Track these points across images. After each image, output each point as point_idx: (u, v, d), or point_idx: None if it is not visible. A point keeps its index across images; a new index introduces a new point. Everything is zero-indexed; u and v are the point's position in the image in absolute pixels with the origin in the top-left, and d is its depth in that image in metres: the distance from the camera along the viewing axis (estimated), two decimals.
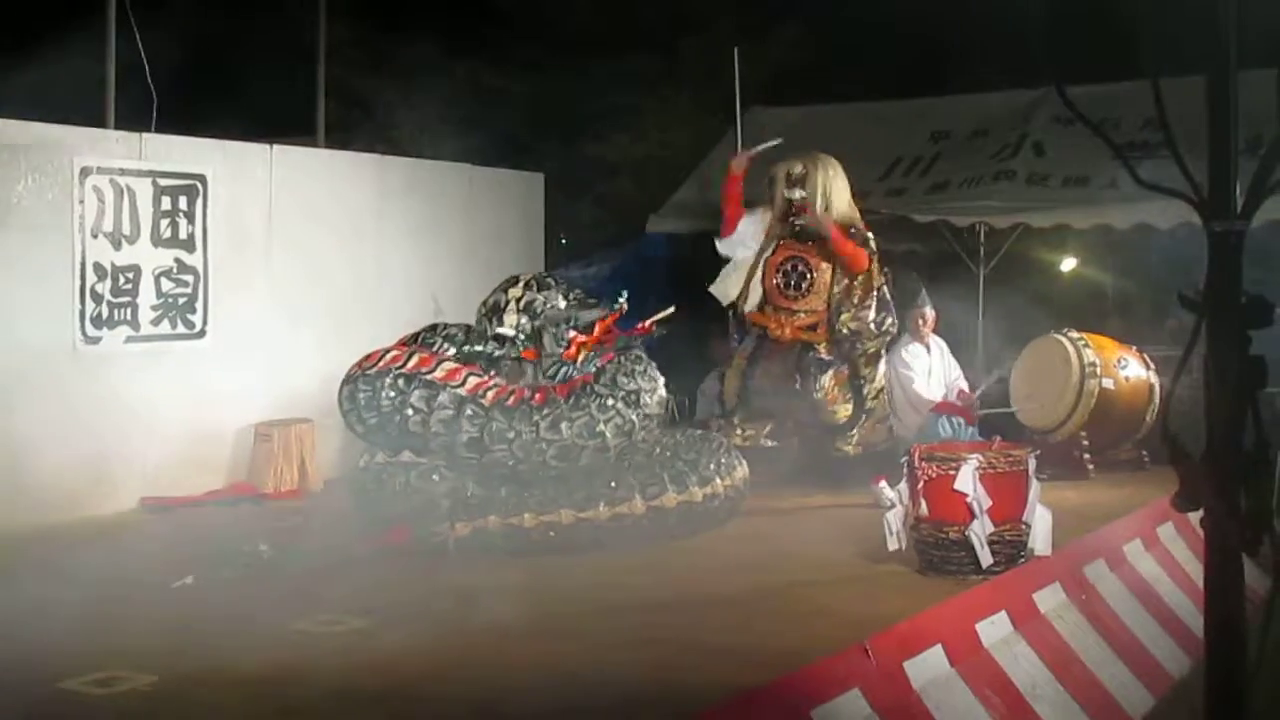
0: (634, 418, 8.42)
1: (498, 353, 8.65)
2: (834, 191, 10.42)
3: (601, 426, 8.29)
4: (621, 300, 9.09)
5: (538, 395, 8.36)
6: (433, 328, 8.85)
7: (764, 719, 5.12)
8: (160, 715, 5.22)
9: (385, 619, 6.63)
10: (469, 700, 5.37)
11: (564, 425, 8.22)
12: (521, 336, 8.70)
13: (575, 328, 8.78)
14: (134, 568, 7.82)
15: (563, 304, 8.84)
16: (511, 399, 8.31)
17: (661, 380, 8.82)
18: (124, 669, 5.72)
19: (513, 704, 5.30)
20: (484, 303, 9.01)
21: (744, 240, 10.54)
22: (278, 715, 5.20)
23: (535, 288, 8.91)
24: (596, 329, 8.86)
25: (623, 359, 8.71)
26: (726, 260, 10.70)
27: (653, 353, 9.42)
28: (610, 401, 8.36)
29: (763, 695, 5.28)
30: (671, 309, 9.40)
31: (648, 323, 9.19)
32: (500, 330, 8.69)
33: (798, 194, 10.36)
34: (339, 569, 7.80)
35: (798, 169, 10.42)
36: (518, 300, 8.83)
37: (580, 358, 8.71)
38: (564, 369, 8.67)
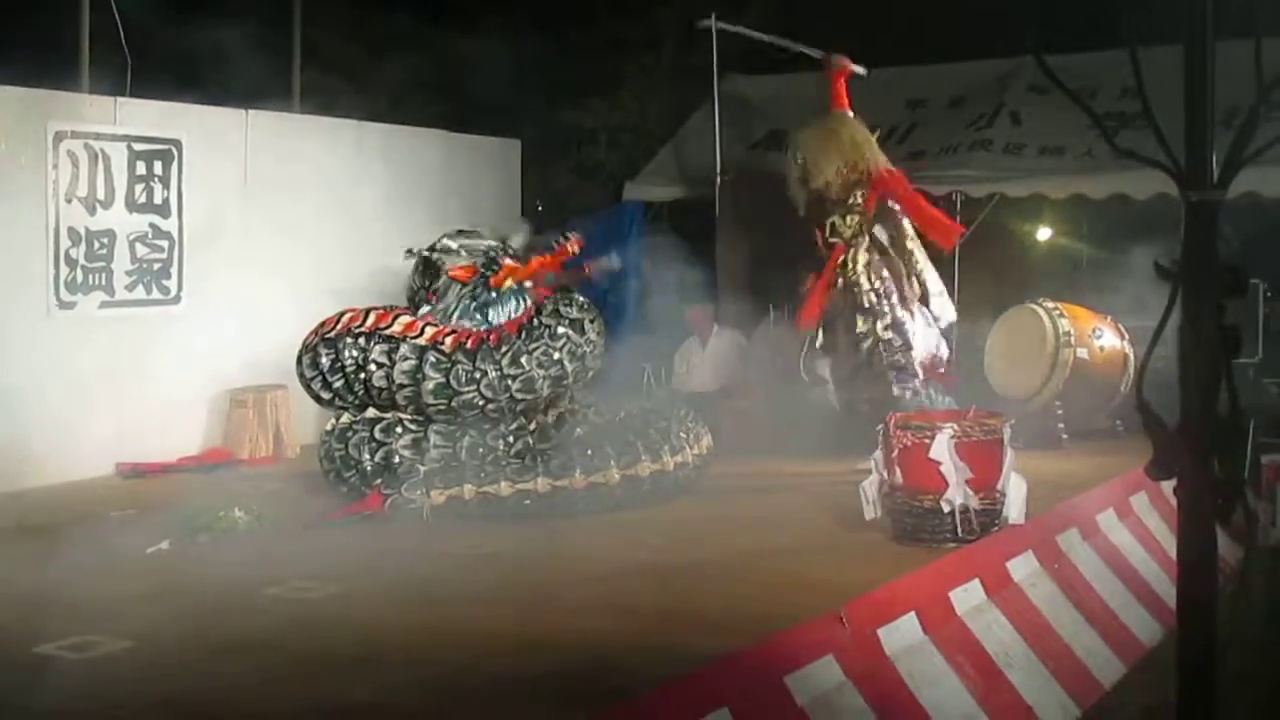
0: (583, 342, 8.64)
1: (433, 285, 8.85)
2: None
3: (558, 354, 8.52)
4: (569, 238, 9.19)
5: (492, 336, 8.54)
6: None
7: (738, 685, 5.14)
8: (136, 679, 5.22)
9: (360, 585, 6.64)
10: (443, 665, 5.37)
11: (524, 359, 8.44)
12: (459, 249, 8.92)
13: (512, 257, 8.88)
14: (109, 533, 7.82)
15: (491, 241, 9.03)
16: (470, 342, 8.51)
17: (596, 312, 9.00)
18: (100, 634, 5.72)
19: (487, 669, 5.31)
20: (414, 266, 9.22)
21: None
22: (252, 679, 5.21)
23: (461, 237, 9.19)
24: (532, 262, 8.96)
25: (556, 293, 8.89)
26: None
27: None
28: (560, 329, 8.58)
29: (737, 661, 5.30)
30: (618, 265, 9.47)
31: (589, 267, 9.24)
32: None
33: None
34: (314, 535, 7.81)
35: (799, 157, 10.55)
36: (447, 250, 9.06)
37: (505, 287, 8.77)
38: (485, 295, 8.78)
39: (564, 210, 10.72)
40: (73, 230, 9.57)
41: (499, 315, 8.71)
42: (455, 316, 8.70)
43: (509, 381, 8.39)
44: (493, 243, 9.03)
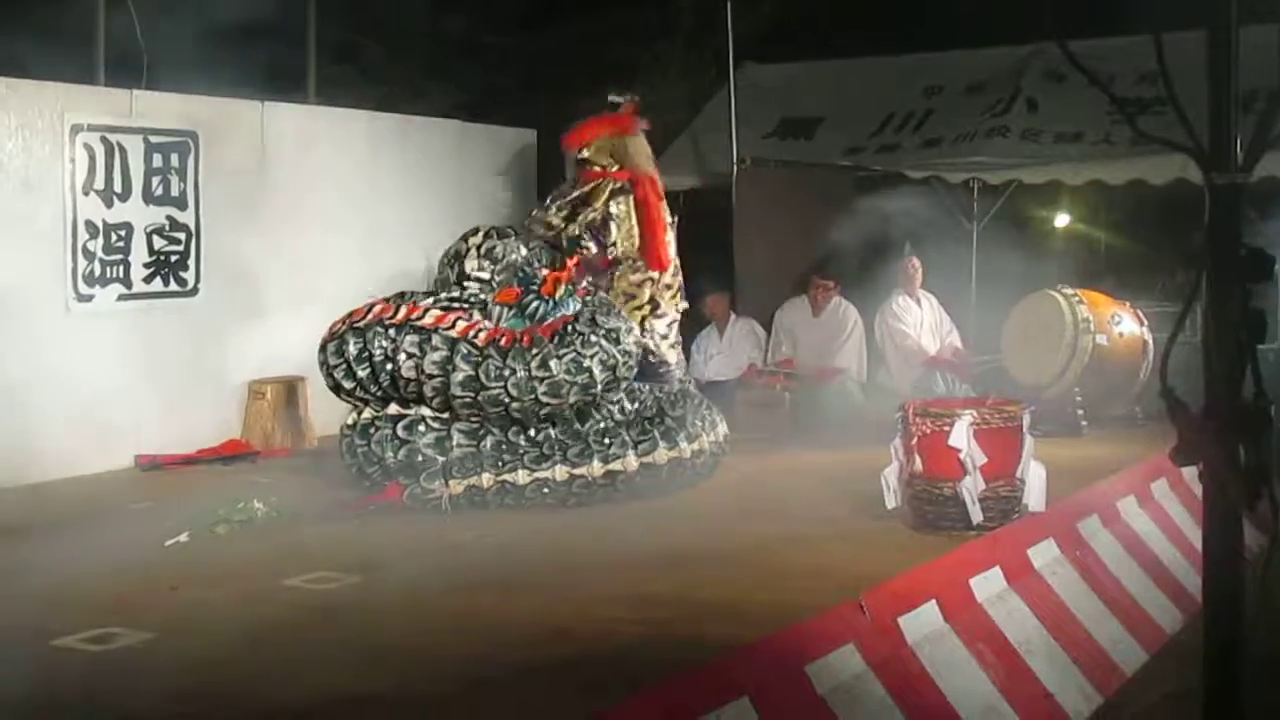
0: (616, 353, 8.50)
1: (470, 297, 8.67)
2: None
3: (588, 363, 8.37)
4: (583, 245, 9.13)
5: (525, 337, 8.43)
6: (401, 295, 8.87)
7: (759, 674, 5.12)
8: (154, 672, 5.22)
9: (378, 575, 6.64)
10: (462, 656, 5.37)
11: (553, 363, 8.30)
12: (496, 280, 8.72)
13: (547, 266, 8.80)
14: (128, 525, 7.83)
15: (524, 251, 8.87)
16: (504, 340, 8.40)
17: (632, 321, 8.91)
18: (119, 626, 5.72)
19: (505, 659, 5.30)
20: (445, 253, 9.07)
21: None
22: (272, 670, 5.21)
23: (496, 236, 8.99)
24: (568, 265, 8.88)
25: (595, 300, 8.79)
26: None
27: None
28: (594, 338, 8.45)
29: (758, 650, 5.29)
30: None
31: (608, 255, 9.15)
32: (475, 273, 8.72)
33: None
34: (332, 526, 7.82)
35: None
36: (478, 247, 8.89)
37: (559, 292, 8.70)
38: (542, 306, 8.65)
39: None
40: (90, 223, 9.58)
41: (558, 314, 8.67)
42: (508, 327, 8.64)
43: (535, 384, 8.27)
44: (517, 253, 8.89)
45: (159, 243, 10.03)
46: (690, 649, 5.32)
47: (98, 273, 9.65)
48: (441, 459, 8.32)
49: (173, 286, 10.16)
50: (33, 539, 7.35)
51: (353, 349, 8.45)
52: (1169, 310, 11.43)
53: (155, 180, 9.99)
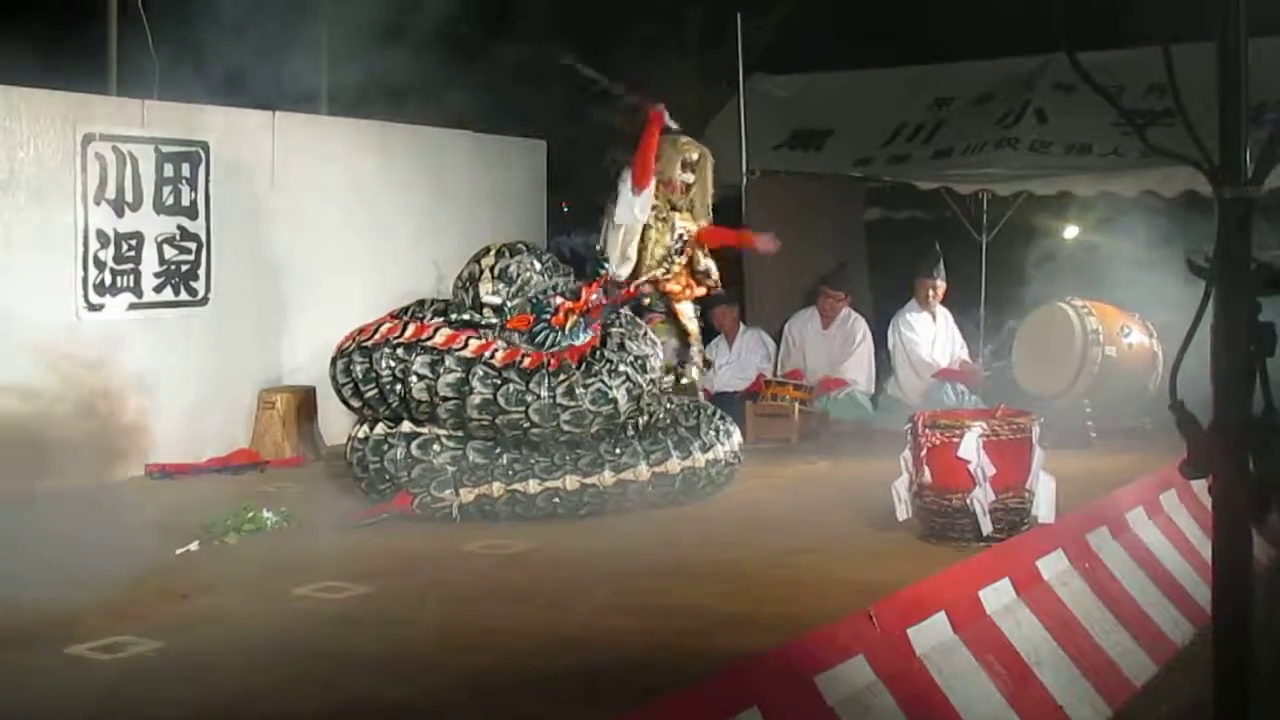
0: (642, 382, 8.41)
1: (484, 322, 8.57)
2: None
3: (614, 393, 8.24)
4: (606, 268, 9.11)
5: (553, 360, 8.29)
6: (420, 303, 8.83)
7: (768, 685, 5.13)
8: (166, 680, 5.23)
9: (388, 585, 6.65)
10: (471, 665, 5.37)
11: (579, 390, 8.17)
12: (509, 304, 8.61)
13: (562, 294, 8.71)
14: (138, 534, 7.84)
15: (538, 266, 8.77)
16: (527, 361, 8.25)
17: (659, 344, 8.85)
18: (129, 635, 5.73)
19: (514, 669, 5.31)
20: (459, 275, 8.94)
21: (645, 204, 10.17)
22: (281, 680, 5.21)
23: (508, 254, 8.80)
24: (583, 294, 8.79)
25: (625, 323, 8.71)
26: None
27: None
28: (621, 367, 8.33)
29: (766, 661, 5.29)
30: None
31: (632, 286, 9.14)
32: (487, 298, 8.61)
33: (690, 177, 10.26)
34: (342, 535, 7.83)
35: (694, 155, 10.32)
36: (491, 268, 8.73)
37: (569, 323, 8.63)
38: (552, 335, 8.59)
39: (590, 210, 10.75)
40: (101, 232, 9.60)
41: (570, 341, 8.57)
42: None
43: (558, 411, 8.15)
44: (532, 269, 8.76)
45: (170, 252, 10.06)
46: (700, 659, 5.31)
47: (108, 282, 9.67)
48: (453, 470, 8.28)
49: (183, 296, 10.18)
50: (42, 547, 7.35)
51: (358, 369, 8.32)
52: (1180, 322, 11.44)
53: (166, 190, 10.01)
